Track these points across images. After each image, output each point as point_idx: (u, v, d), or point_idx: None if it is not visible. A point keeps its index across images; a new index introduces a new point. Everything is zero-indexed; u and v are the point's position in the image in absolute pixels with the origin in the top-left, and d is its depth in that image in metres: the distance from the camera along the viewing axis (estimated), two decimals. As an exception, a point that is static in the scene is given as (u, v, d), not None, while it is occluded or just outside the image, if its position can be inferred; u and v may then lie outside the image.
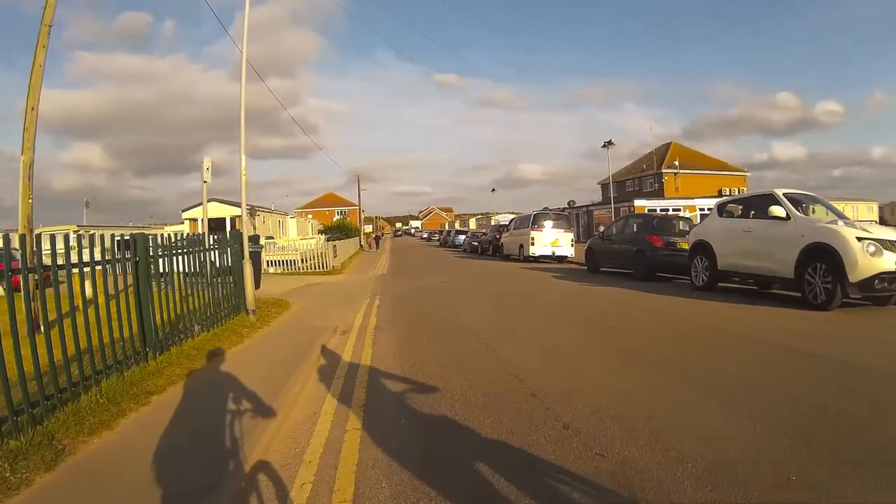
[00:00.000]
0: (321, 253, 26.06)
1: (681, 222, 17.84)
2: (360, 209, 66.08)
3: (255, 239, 11.29)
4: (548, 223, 27.00)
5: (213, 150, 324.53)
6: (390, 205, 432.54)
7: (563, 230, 27.14)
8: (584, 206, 65.46)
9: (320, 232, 61.38)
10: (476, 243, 40.67)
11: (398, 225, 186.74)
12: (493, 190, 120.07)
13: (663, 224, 17.55)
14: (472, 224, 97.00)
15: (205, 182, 11.81)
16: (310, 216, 64.67)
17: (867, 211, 67.49)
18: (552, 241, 26.63)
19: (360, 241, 59.97)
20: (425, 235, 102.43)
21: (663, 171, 61.12)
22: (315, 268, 25.20)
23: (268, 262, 25.58)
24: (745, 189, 60.64)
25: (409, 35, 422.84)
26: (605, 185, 71.12)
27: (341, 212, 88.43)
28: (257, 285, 11.23)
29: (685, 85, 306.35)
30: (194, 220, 31.52)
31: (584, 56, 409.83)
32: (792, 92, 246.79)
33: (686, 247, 15.33)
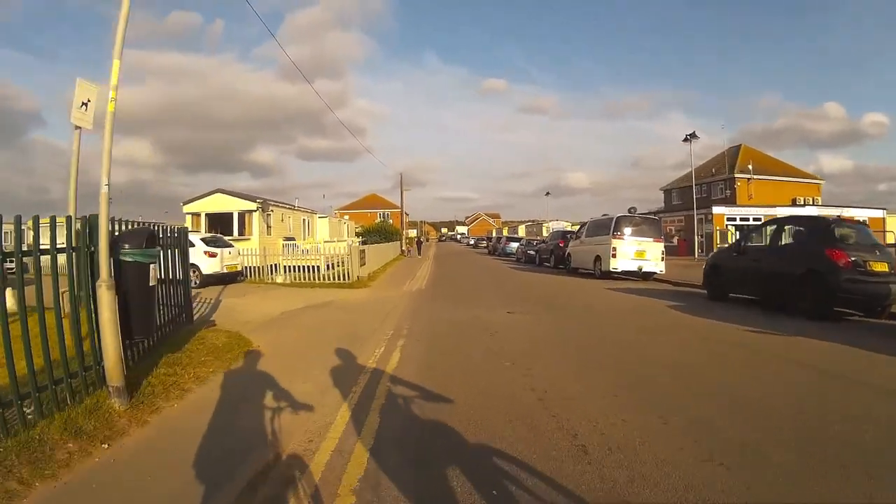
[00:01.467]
0: (343, 260, 20.71)
1: (865, 232, 11.99)
2: (402, 211, 60.57)
3: (149, 238, 5.59)
4: (632, 230, 21.10)
5: (260, 149, 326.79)
6: (436, 210, 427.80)
7: (651, 239, 21.19)
8: (646, 213, 59.07)
9: (358, 235, 56.53)
10: (533, 252, 34.98)
11: (444, 230, 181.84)
12: (548, 194, 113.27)
13: (845, 234, 11.62)
14: (522, 231, 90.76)
15: (77, 128, 6.30)
16: (346, 217, 59.15)
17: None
18: (638, 252, 20.76)
19: (402, 246, 54.72)
20: (472, 242, 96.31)
21: (736, 175, 54.30)
22: (338, 277, 20.11)
23: (285, 268, 20.89)
24: (818, 199, 54.02)
25: (455, 39, 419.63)
26: (668, 192, 64.84)
27: (384, 214, 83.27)
28: (141, 330, 5.59)
29: (729, 96, 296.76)
30: (197, 214, 26.40)
31: (627, 65, 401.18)
32: (838, 102, 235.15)
33: (883, 268, 10.82)
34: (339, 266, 20.67)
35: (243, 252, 21.30)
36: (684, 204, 56.75)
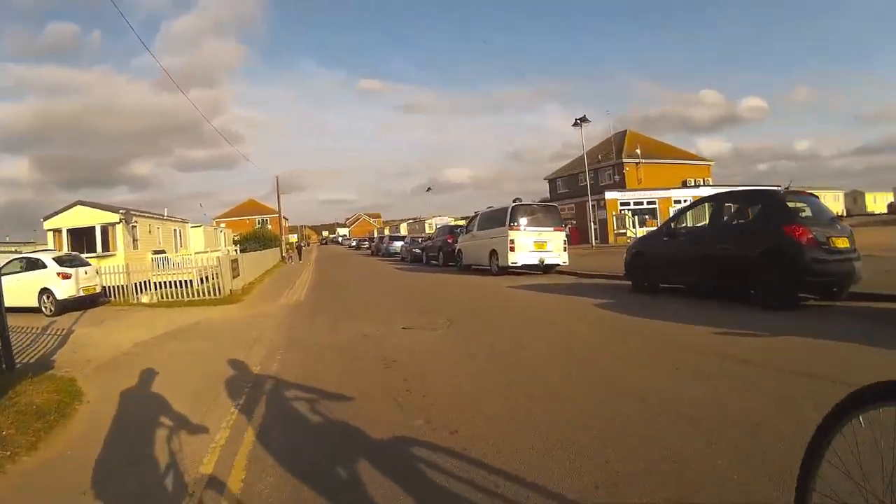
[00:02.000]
0: (214, 272, 18.47)
1: (819, 205, 11.03)
2: (279, 215, 57.59)
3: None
4: (530, 219, 19.93)
5: (138, 162, 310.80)
6: (316, 213, 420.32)
7: (552, 228, 20.11)
8: (531, 203, 58.95)
9: (235, 243, 53.25)
10: (419, 250, 33.91)
11: (325, 233, 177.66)
12: (429, 189, 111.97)
13: (798, 207, 10.54)
14: (404, 229, 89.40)
15: None
16: (222, 225, 55.43)
17: (833, 200, 63.70)
18: (538, 243, 19.60)
19: (282, 253, 51.90)
20: (354, 243, 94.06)
21: (624, 160, 55.06)
22: (210, 293, 18.35)
23: (155, 285, 19.00)
24: (709, 180, 55.69)
25: (329, 42, 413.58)
26: (552, 181, 65.29)
27: (263, 220, 79.44)
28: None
29: (606, 85, 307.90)
30: (58, 230, 23.21)
31: (502, 59, 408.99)
32: (716, 89, 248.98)
33: (845, 244, 9.79)
34: (212, 279, 18.39)
35: (106, 270, 19.15)
36: (571, 192, 57.41)
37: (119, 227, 23.27)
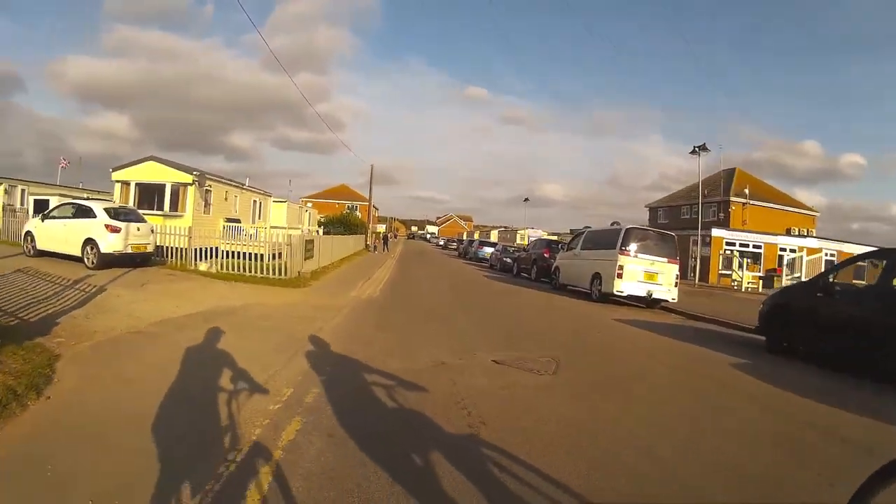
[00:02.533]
0: (285, 251, 16.80)
1: None
2: (370, 203, 56.22)
3: None
4: (644, 246, 17.16)
5: (238, 133, 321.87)
6: (407, 209, 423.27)
7: (665, 259, 17.23)
8: (646, 228, 55.45)
9: (320, 224, 52.13)
10: (510, 260, 31.30)
11: (414, 228, 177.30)
12: (526, 200, 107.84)
13: None
14: (494, 236, 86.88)
15: None
16: (309, 205, 54.47)
17: None
18: (649, 274, 16.83)
19: (367, 240, 50.40)
20: (441, 242, 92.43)
21: (731, 198, 51.05)
22: (277, 271, 16.38)
23: (225, 253, 17.32)
24: (813, 231, 51.09)
25: (441, 45, 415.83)
26: (654, 209, 61.61)
27: (352, 206, 78.66)
28: None
29: (710, 123, 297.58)
30: (126, 183, 21.99)
31: (610, 82, 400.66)
32: (817, 141, 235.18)
33: None
34: (283, 257, 16.60)
35: (165, 230, 17.48)
36: (671, 224, 53.63)
37: (191, 189, 21.88)
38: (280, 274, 15.98)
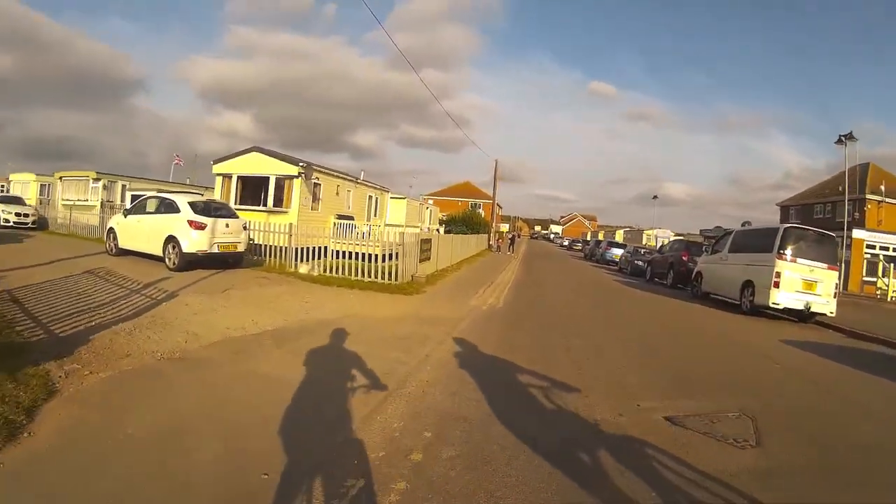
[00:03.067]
0: (396, 250, 15.29)
1: None
2: (493, 201, 54.41)
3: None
4: (802, 249, 14.48)
5: (362, 132, 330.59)
6: (530, 207, 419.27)
7: (825, 266, 14.49)
8: (806, 228, 50.70)
9: (441, 223, 51.12)
10: (641, 263, 28.40)
11: (537, 228, 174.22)
12: (655, 197, 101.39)
13: None
14: (620, 236, 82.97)
15: None
16: (430, 202, 53.55)
17: None
18: (807, 283, 14.18)
19: (489, 240, 48.83)
20: (566, 243, 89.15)
21: (868, 196, 45.46)
22: (388, 275, 14.57)
23: (336, 253, 15.85)
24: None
25: (566, 41, 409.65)
26: (785, 208, 56.31)
27: (475, 205, 77.30)
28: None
29: (834, 120, 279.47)
30: (228, 176, 21.46)
31: (734, 80, 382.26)
32: None
33: None
34: (395, 260, 15.27)
35: (261, 227, 16.26)
36: (804, 223, 48.62)
37: (297, 182, 20.56)
38: (391, 278, 14.14)
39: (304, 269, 15.04)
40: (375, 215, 29.59)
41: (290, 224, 16.39)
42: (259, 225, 16.26)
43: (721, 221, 71.71)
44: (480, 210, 68.23)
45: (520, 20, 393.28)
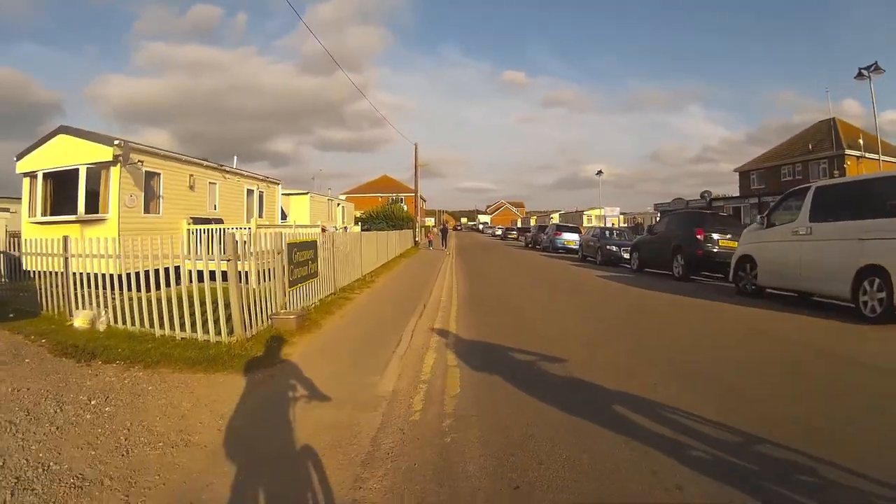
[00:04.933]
0: (262, 268, 7.73)
1: None
2: (416, 192, 46.97)
3: None
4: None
5: (279, 139, 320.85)
6: (454, 201, 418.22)
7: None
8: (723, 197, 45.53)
9: (358, 221, 43.91)
10: (616, 248, 22.22)
11: (463, 220, 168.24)
12: (599, 172, 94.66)
13: None
14: (556, 219, 76.76)
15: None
16: (341, 197, 45.50)
17: None
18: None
19: (415, 236, 41.76)
20: (498, 232, 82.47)
21: (847, 152, 40.89)
22: (222, 325, 7.14)
23: (194, 275, 8.40)
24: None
25: (475, 32, 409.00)
26: (745, 174, 51.62)
27: (397, 199, 69.48)
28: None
29: (748, 92, 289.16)
30: (33, 174, 13.64)
31: (646, 58, 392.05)
32: (857, 100, 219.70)
33: None
34: (264, 282, 8.06)
35: (43, 248, 9.15)
36: (770, 188, 44.07)
37: (114, 172, 12.98)
38: (249, 324, 6.98)
39: (81, 320, 7.71)
40: (261, 215, 21.88)
41: (109, 239, 8.56)
42: (51, 246, 8.88)
43: (645, 199, 67.04)
44: (403, 204, 60.94)
45: (427, 16, 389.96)
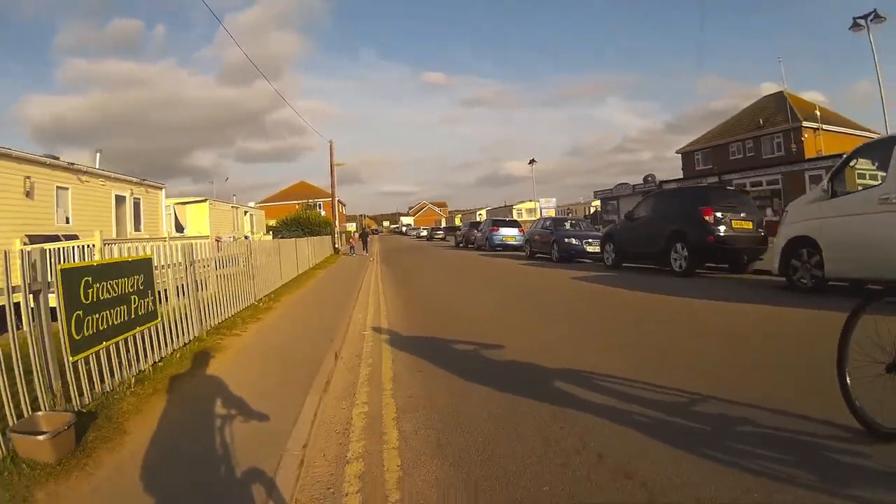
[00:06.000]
0: None
1: None
2: (333, 195, 42.30)
3: None
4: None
5: (200, 153, 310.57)
6: (376, 205, 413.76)
7: None
8: (668, 180, 42.86)
9: (270, 230, 39.29)
10: (574, 241, 18.81)
11: (385, 223, 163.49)
12: (532, 161, 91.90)
13: None
14: (484, 216, 73.45)
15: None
16: (250, 203, 40.19)
17: None
18: None
19: (334, 243, 37.36)
20: (423, 233, 78.10)
21: (804, 124, 38.92)
22: None
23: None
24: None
25: (392, 34, 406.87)
26: (689, 154, 49.35)
27: (315, 204, 64.23)
28: None
29: (667, 79, 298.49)
30: None
31: (565, 51, 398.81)
32: (777, 82, 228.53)
33: None
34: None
35: None
36: (718, 169, 41.86)
37: None
38: None
39: None
40: (138, 227, 17.29)
41: None
42: None
43: (570, 192, 64.90)
44: (322, 210, 56.18)
45: (342, 20, 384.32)
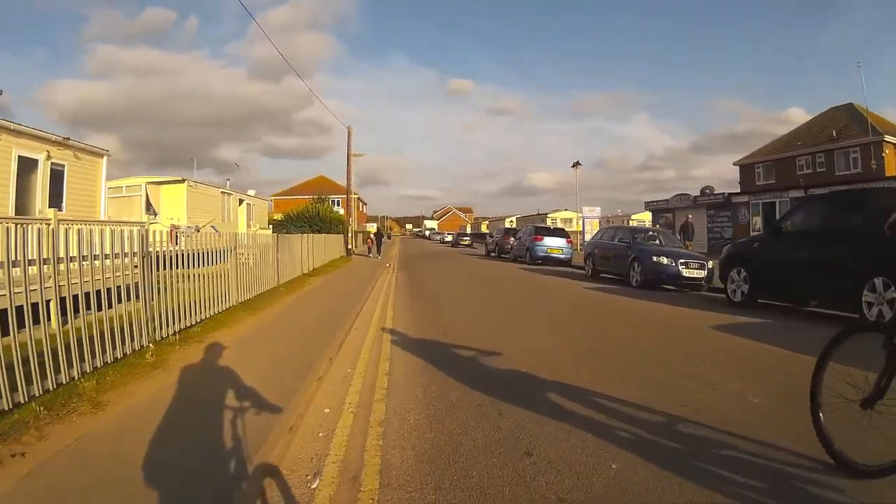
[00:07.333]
0: None
1: None
2: (348, 188, 37.21)
3: None
4: None
5: (225, 146, 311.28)
6: (400, 208, 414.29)
7: None
8: (734, 194, 37.50)
9: (273, 222, 34.65)
10: (665, 261, 13.46)
11: (408, 226, 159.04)
12: (576, 164, 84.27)
13: None
14: (514, 224, 68.23)
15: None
16: (250, 192, 34.96)
17: None
18: None
19: (347, 243, 32.34)
20: (448, 238, 72.23)
21: (886, 139, 33.52)
22: None
23: None
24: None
25: (422, 41, 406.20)
26: (748, 167, 43.81)
27: (329, 199, 58.29)
28: None
29: (691, 100, 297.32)
30: None
31: (592, 66, 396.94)
32: (803, 109, 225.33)
33: None
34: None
35: None
36: (780, 184, 36.55)
37: None
38: None
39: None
40: (59, 205, 12.39)
41: None
42: None
43: (594, 205, 60.07)
44: (339, 207, 51.29)
45: (374, 25, 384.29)
